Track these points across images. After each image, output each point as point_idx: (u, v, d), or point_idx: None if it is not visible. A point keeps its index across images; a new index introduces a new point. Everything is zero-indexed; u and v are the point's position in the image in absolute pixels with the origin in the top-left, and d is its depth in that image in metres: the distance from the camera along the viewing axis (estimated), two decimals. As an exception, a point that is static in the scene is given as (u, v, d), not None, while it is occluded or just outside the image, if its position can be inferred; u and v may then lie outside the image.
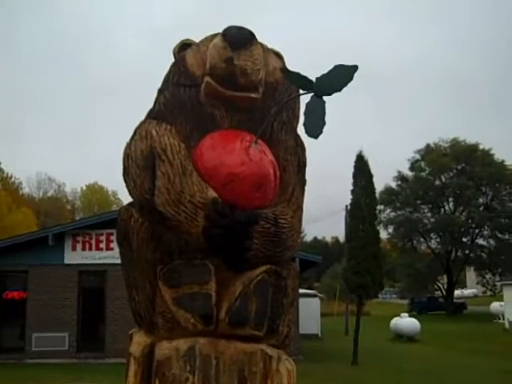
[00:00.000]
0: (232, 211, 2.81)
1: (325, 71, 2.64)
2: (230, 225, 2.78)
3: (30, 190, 72.09)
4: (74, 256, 19.65)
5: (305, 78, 2.65)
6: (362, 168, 18.31)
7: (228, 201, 2.83)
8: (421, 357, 21.53)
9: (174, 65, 3.30)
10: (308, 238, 77.20)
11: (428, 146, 52.93)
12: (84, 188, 73.63)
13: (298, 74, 2.71)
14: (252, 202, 2.89)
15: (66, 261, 19.93)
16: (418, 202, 52.00)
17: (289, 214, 3.03)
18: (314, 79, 2.62)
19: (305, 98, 2.71)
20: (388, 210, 53.33)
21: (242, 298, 2.91)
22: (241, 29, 3.00)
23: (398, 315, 30.59)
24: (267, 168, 2.93)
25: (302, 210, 3.22)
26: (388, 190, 52.28)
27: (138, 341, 3.09)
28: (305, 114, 2.67)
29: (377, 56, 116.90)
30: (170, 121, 3.05)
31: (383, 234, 52.63)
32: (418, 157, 53.16)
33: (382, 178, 52.22)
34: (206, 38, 3.24)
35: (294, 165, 3.19)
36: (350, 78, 2.61)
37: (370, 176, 18.55)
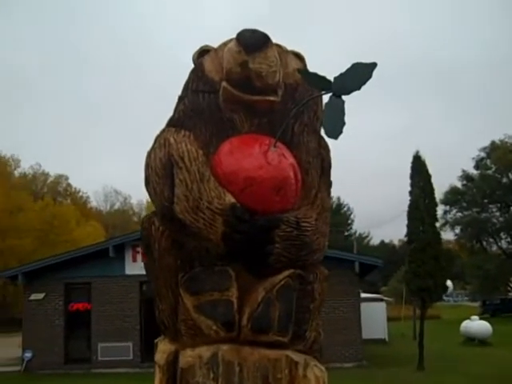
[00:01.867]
0: (252, 216, 2.78)
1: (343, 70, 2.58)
2: (249, 230, 2.76)
3: (98, 204, 73.90)
4: (135, 267, 19.83)
5: (322, 78, 2.60)
6: (419, 168, 17.94)
7: (247, 206, 2.81)
8: (492, 360, 20.73)
9: (192, 71, 3.30)
10: (375, 241, 75.74)
11: (493, 143, 51.26)
12: (149, 200, 74.68)
13: (315, 75, 2.66)
14: (272, 205, 2.85)
15: (127, 272, 20.20)
16: (486, 201, 50.44)
17: (312, 216, 2.98)
18: (332, 79, 2.56)
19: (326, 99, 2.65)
20: (454, 211, 52.05)
21: (265, 303, 2.87)
22: (254, 32, 2.97)
23: (469, 318, 29.74)
24: (287, 171, 2.89)
25: (328, 212, 3.16)
26: (453, 190, 50.93)
27: (163, 349, 3.10)
28: (324, 114, 2.62)
29: (438, 49, 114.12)
30: (189, 128, 3.05)
31: (450, 236, 51.64)
32: (483, 155, 51.65)
33: (446, 178, 50.93)
34: (223, 43, 3.23)
35: (316, 167, 3.13)
36: (369, 76, 2.54)
37: (429, 176, 18.15)
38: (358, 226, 74.70)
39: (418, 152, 18.41)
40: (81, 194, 68.50)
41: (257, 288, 2.91)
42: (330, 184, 3.25)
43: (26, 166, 64.02)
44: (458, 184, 52.03)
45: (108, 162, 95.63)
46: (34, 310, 20.01)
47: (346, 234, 67.58)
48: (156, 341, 3.25)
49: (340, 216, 70.91)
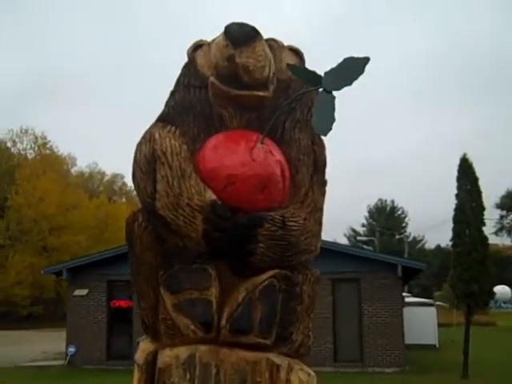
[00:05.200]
0: (234, 214, 2.70)
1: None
2: (230, 228, 2.67)
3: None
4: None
5: (312, 72, 2.52)
6: (466, 171, 17.54)
7: (230, 203, 2.73)
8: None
9: (185, 66, 3.27)
10: (431, 245, 73.76)
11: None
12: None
13: (304, 70, 2.62)
14: (256, 204, 2.77)
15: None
16: (545, 205, 49.10)
17: (301, 216, 2.86)
18: (323, 74, 2.47)
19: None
20: (511, 216, 50.72)
21: (245, 304, 2.79)
22: (242, 25, 2.91)
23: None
24: (272, 168, 2.80)
25: (321, 212, 3.04)
26: (510, 194, 49.68)
27: (143, 348, 3.06)
28: (314, 110, 2.54)
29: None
30: (177, 123, 3.00)
31: (507, 241, 50.27)
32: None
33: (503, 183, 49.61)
34: (216, 37, 3.16)
35: (308, 164, 3.02)
36: (361, 71, 2.43)
37: (476, 179, 17.68)
38: (413, 229, 73.03)
39: (465, 155, 18.02)
40: (135, 192, 69.56)
41: (238, 288, 2.83)
42: (323, 183, 3.11)
43: (82, 164, 65.39)
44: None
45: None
46: (78, 305, 20.42)
47: (399, 237, 66.52)
48: (138, 340, 3.20)
49: (394, 219, 69.99)
